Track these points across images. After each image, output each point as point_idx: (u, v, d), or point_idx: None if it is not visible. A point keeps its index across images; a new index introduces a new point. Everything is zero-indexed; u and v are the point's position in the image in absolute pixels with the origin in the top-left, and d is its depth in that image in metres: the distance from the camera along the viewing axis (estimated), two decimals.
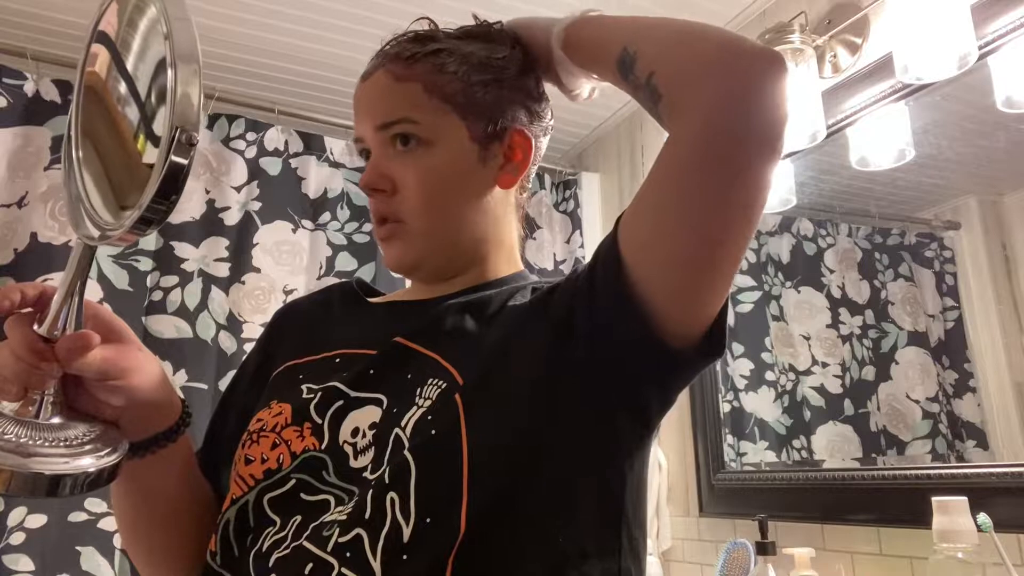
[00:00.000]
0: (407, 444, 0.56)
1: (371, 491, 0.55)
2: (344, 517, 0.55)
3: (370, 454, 0.58)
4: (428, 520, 0.53)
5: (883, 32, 1.39)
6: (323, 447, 0.60)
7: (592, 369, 0.58)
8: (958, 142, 1.31)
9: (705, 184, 0.54)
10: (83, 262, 0.51)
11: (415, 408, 0.58)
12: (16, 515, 1.45)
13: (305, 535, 0.55)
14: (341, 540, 0.53)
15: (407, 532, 0.52)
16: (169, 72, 0.45)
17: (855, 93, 1.41)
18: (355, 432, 0.60)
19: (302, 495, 0.59)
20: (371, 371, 0.63)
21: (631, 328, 0.56)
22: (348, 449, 0.59)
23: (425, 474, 0.54)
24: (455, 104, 0.66)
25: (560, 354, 0.59)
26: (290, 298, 1.82)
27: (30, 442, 0.49)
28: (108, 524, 1.53)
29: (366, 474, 0.57)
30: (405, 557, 0.52)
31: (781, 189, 1.62)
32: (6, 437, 0.48)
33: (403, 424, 0.57)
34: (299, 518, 0.57)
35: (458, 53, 0.67)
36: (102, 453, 0.52)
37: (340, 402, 0.62)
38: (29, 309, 0.53)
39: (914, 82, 1.25)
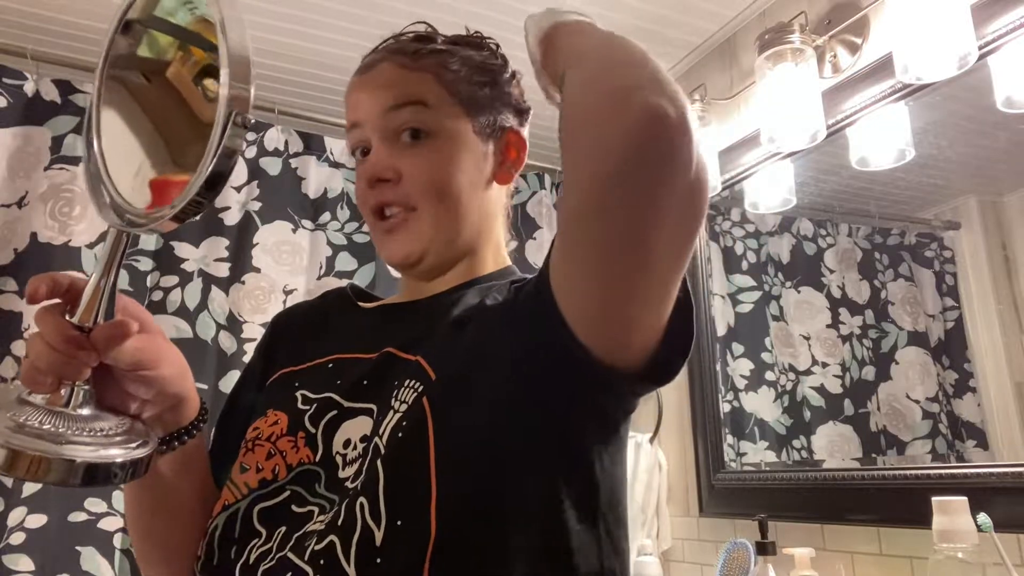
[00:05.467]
0: (382, 452, 0.56)
1: (347, 500, 0.55)
2: (322, 527, 0.55)
3: (356, 465, 0.58)
4: (399, 523, 0.52)
5: (883, 32, 1.39)
6: (317, 459, 0.60)
7: (547, 370, 0.57)
8: (958, 142, 1.31)
9: (597, 236, 0.49)
10: (116, 249, 0.51)
11: (392, 413, 0.58)
12: (16, 515, 1.45)
13: (289, 546, 0.56)
14: (316, 548, 0.53)
15: (379, 536, 0.52)
16: (222, 52, 0.45)
17: (855, 93, 1.41)
18: (347, 443, 0.60)
19: (293, 507, 0.59)
20: (364, 381, 0.63)
21: (564, 344, 0.54)
22: (338, 460, 0.59)
23: (393, 476, 0.54)
24: (460, 98, 0.69)
25: (522, 354, 0.58)
26: (290, 298, 1.82)
27: (66, 431, 0.48)
28: (108, 524, 1.53)
29: (347, 483, 0.57)
30: (379, 561, 0.51)
31: (781, 189, 1.63)
32: (44, 426, 0.48)
33: (381, 432, 0.57)
34: (284, 529, 0.57)
35: (459, 55, 0.70)
36: (134, 445, 0.52)
37: (334, 412, 0.62)
38: (58, 300, 0.52)
39: (914, 82, 1.25)
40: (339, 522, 0.54)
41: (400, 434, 0.56)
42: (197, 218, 0.47)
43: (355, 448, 0.59)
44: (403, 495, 0.53)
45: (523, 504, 0.56)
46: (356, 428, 0.60)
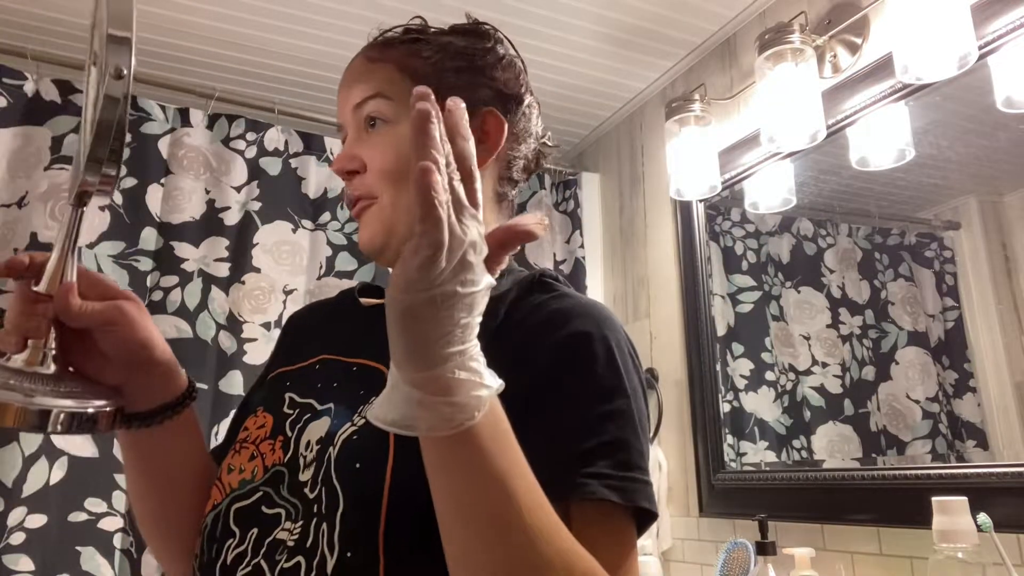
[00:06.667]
0: (334, 465, 0.56)
1: (314, 519, 0.55)
2: (292, 542, 0.56)
3: (312, 469, 0.58)
4: (349, 554, 0.52)
5: (883, 32, 1.39)
6: (286, 460, 0.61)
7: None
8: (958, 142, 1.31)
9: None
10: (70, 222, 0.56)
11: (349, 425, 0.58)
12: (16, 515, 1.45)
13: (262, 552, 0.57)
14: (285, 566, 0.55)
15: (331, 564, 0.53)
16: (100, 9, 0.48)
17: (855, 93, 1.41)
18: (307, 445, 0.60)
19: (263, 508, 0.59)
20: (335, 384, 0.64)
21: None
22: (300, 461, 0.60)
23: (351, 506, 0.54)
24: (426, 83, 0.66)
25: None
26: (290, 298, 1.83)
27: (24, 383, 0.52)
28: (108, 524, 1.53)
29: (306, 490, 0.58)
30: None
31: (781, 189, 1.63)
32: (11, 381, 0.52)
33: (336, 442, 0.58)
34: (256, 531, 0.58)
35: (436, 43, 0.68)
36: (99, 401, 0.56)
37: (309, 415, 0.63)
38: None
39: (914, 82, 1.25)
40: (307, 544, 0.55)
41: (359, 464, 0.55)
42: (111, 179, 0.52)
43: (311, 450, 0.60)
44: (355, 528, 0.53)
45: None
46: (316, 429, 0.61)
